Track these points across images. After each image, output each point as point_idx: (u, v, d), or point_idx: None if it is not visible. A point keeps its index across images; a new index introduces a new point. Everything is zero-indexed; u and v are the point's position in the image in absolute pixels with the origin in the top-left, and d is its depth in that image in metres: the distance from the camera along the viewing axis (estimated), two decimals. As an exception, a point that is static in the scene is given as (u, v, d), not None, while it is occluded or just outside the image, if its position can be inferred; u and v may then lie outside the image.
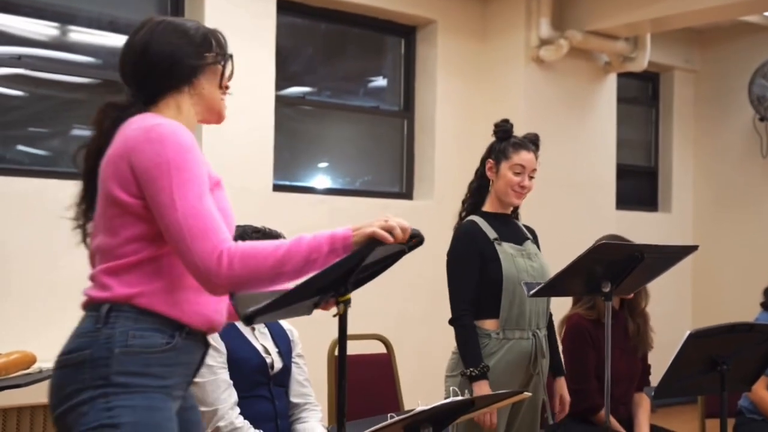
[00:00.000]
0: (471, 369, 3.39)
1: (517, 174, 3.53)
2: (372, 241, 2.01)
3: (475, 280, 3.47)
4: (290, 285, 2.04)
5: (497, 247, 3.49)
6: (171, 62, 2.17)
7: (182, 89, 2.20)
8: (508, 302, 3.45)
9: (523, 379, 3.49)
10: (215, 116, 2.29)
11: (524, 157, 3.54)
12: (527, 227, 3.69)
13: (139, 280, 2.06)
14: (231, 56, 2.29)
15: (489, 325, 3.48)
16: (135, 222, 2.07)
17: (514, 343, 3.46)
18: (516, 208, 3.69)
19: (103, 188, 2.10)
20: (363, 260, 2.03)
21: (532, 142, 3.61)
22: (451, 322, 3.50)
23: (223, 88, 2.27)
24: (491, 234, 3.51)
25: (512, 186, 3.53)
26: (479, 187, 3.66)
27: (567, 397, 3.65)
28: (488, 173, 3.59)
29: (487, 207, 3.62)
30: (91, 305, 2.10)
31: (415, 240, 2.12)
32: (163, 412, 2.05)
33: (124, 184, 2.05)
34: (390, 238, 2.01)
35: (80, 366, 2.02)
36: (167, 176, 2.00)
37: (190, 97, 2.21)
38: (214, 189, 2.13)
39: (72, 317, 5.00)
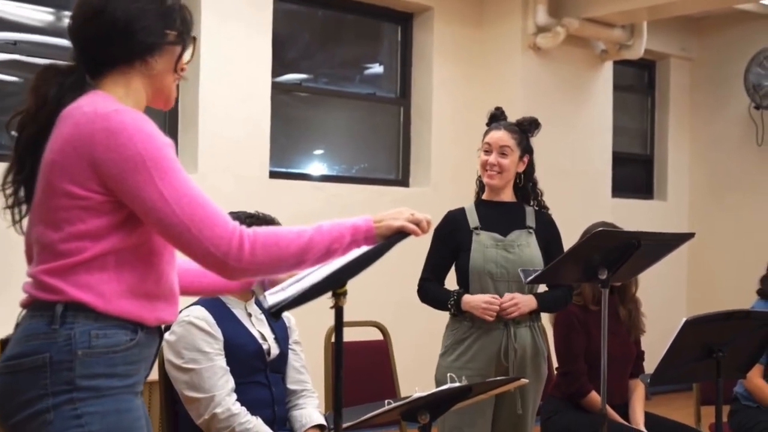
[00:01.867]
0: (449, 302, 3.51)
1: (486, 153, 3.57)
2: (400, 234, 2.04)
3: (443, 262, 3.63)
4: (305, 272, 2.05)
5: (474, 236, 3.54)
6: (128, 31, 1.94)
7: (133, 64, 1.98)
8: (476, 292, 3.51)
9: (497, 369, 3.49)
10: (163, 101, 2.08)
11: (492, 135, 3.58)
12: (542, 215, 3.66)
13: (87, 281, 1.90)
14: (194, 39, 2.09)
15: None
16: (84, 218, 1.89)
17: (482, 332, 3.50)
18: (537, 194, 3.68)
19: (47, 177, 1.91)
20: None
21: (518, 124, 3.61)
22: (418, 291, 3.67)
23: (179, 71, 2.06)
24: (473, 223, 3.57)
25: (483, 165, 3.59)
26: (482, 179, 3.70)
27: (519, 303, 3.45)
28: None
29: (485, 195, 3.66)
30: (37, 304, 1.93)
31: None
32: (132, 413, 1.95)
33: (77, 177, 1.88)
34: (419, 232, 2.04)
35: (38, 371, 1.87)
36: (144, 170, 1.85)
37: (140, 75, 2.00)
38: None
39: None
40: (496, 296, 3.45)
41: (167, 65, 2.02)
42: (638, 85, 8.49)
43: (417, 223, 2.05)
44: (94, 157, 1.86)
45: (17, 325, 1.98)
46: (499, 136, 3.56)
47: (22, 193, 2.01)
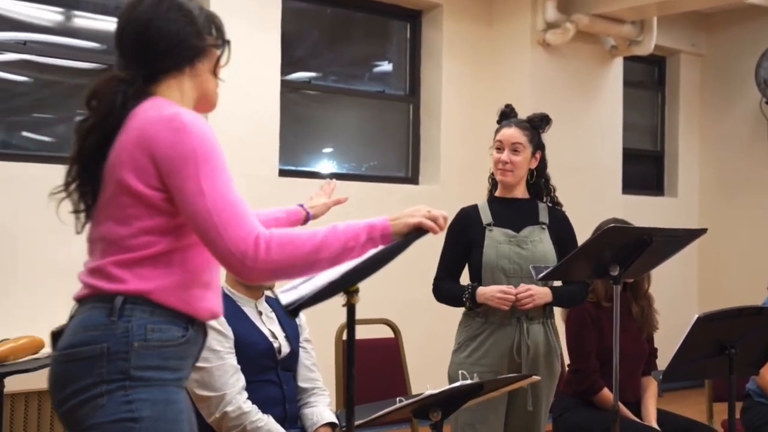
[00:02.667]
0: (464, 295, 3.50)
1: (498, 150, 3.57)
2: (418, 231, 2.04)
3: (457, 260, 3.63)
4: (323, 273, 2.05)
5: (487, 233, 3.54)
6: (176, 40, 2.11)
7: (183, 70, 2.13)
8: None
9: (510, 366, 3.49)
10: (208, 104, 2.23)
11: (503, 132, 3.58)
12: (555, 211, 3.66)
13: (152, 274, 2.01)
14: (228, 42, 2.23)
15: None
16: (151, 214, 2.01)
17: (495, 327, 3.50)
18: (550, 190, 3.67)
19: (115, 175, 2.03)
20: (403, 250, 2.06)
21: (528, 120, 3.60)
22: (433, 290, 3.67)
23: (217, 75, 2.21)
24: (486, 219, 3.57)
25: (495, 163, 3.58)
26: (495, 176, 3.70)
27: (534, 294, 3.43)
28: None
29: (498, 192, 3.66)
30: (97, 296, 2.03)
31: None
32: (178, 405, 2.04)
33: (141, 174, 1.99)
34: (437, 228, 2.06)
35: (95, 360, 1.97)
36: (194, 165, 1.96)
37: (190, 79, 2.15)
38: None
39: (64, 305, 4.98)
40: (511, 286, 3.44)
41: (209, 68, 2.18)
42: (648, 81, 8.46)
43: (434, 220, 2.07)
44: (156, 155, 1.98)
45: (71, 317, 2.09)
46: (511, 133, 3.55)
47: (89, 197, 2.12)
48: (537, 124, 3.61)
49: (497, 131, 3.62)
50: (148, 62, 2.10)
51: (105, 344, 1.97)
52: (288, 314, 1.99)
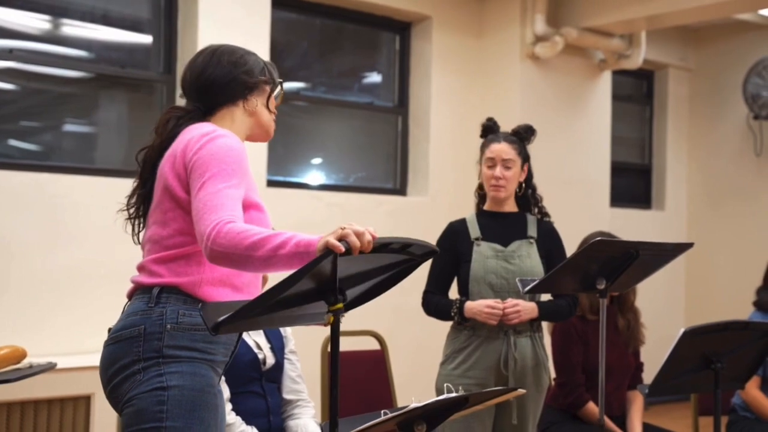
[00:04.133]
0: (452, 310, 3.52)
1: (489, 167, 3.57)
2: (328, 251, 1.95)
3: (446, 274, 3.64)
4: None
5: (475, 247, 3.54)
6: (228, 79, 2.46)
7: (237, 103, 2.48)
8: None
9: (497, 378, 3.49)
10: (264, 133, 2.57)
11: (493, 148, 3.58)
12: (544, 224, 3.66)
13: (185, 269, 2.30)
14: (281, 83, 2.59)
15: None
16: (183, 216, 2.30)
17: (483, 340, 3.50)
18: (537, 201, 3.67)
19: (162, 181, 2.34)
20: (328, 271, 1.96)
21: (515, 133, 3.61)
22: (422, 303, 3.68)
23: (271, 108, 2.55)
24: (474, 234, 3.58)
25: (488, 179, 3.58)
26: (482, 189, 3.69)
27: (521, 310, 3.44)
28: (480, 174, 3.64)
29: (486, 206, 3.65)
30: (140, 289, 2.34)
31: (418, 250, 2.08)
32: (207, 379, 2.29)
33: (179, 178, 2.30)
34: (341, 248, 1.96)
35: (134, 339, 2.27)
36: (205, 167, 2.24)
37: (243, 111, 2.49)
38: (250, 209, 2.32)
39: (65, 312, 4.99)
40: (499, 300, 3.43)
41: (263, 102, 2.53)
42: (637, 94, 8.49)
43: (358, 236, 1.99)
44: (186, 162, 2.29)
45: (124, 310, 2.39)
46: (501, 148, 3.56)
47: (141, 209, 2.46)
48: (523, 136, 3.62)
49: (485, 146, 3.62)
50: (205, 99, 2.48)
51: (142, 326, 2.27)
52: (210, 331, 1.96)
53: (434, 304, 3.61)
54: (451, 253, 3.58)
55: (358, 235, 2.00)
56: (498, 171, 3.54)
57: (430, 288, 3.65)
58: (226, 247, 2.10)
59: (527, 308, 3.45)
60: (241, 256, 2.09)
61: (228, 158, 2.26)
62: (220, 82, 2.47)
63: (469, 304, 3.47)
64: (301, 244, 2.04)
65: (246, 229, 2.11)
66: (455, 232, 3.62)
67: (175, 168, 2.31)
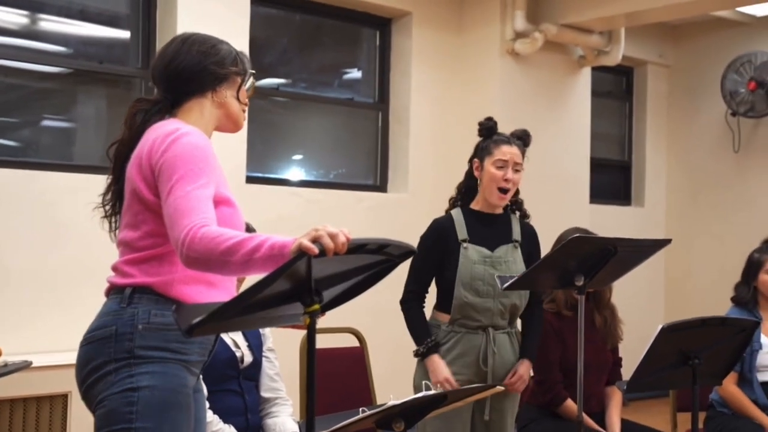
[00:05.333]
0: (417, 348, 3.52)
1: (499, 168, 3.53)
2: (301, 253, 1.92)
3: (430, 272, 3.58)
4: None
5: (462, 250, 3.50)
6: (197, 69, 2.43)
7: (206, 94, 2.45)
8: (458, 306, 3.51)
9: (476, 375, 3.49)
10: (233, 124, 2.53)
11: (505, 150, 3.55)
12: (526, 226, 3.67)
13: (157, 270, 2.29)
14: (252, 74, 2.55)
15: (441, 316, 3.58)
16: (153, 218, 2.28)
17: (462, 336, 3.51)
18: (520, 204, 3.67)
19: (130, 184, 2.33)
20: (303, 273, 1.95)
21: (519, 137, 3.62)
22: (400, 303, 3.62)
23: (242, 101, 2.52)
24: (462, 234, 3.53)
25: (496, 181, 3.53)
26: (468, 188, 3.67)
27: (523, 376, 3.55)
28: (475, 172, 3.61)
29: (476, 205, 3.62)
30: (114, 290, 2.33)
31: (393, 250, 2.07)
32: (179, 379, 2.28)
33: (146, 182, 2.28)
34: (314, 250, 1.92)
35: (106, 340, 2.26)
36: (174, 171, 2.21)
37: (212, 102, 2.46)
38: (221, 205, 2.29)
39: (42, 309, 4.95)
40: (453, 380, 3.42)
41: (233, 93, 2.49)
42: (616, 91, 8.51)
43: (332, 238, 1.95)
44: (153, 165, 2.27)
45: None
46: (513, 152, 3.56)
47: (117, 205, 2.45)
48: (526, 142, 3.64)
49: (494, 146, 3.57)
50: (173, 88, 2.44)
51: (114, 327, 2.26)
52: (184, 334, 1.93)
53: (412, 320, 3.57)
54: (436, 252, 3.54)
55: (332, 236, 1.95)
56: (510, 174, 3.53)
57: (414, 287, 3.59)
58: (201, 252, 2.09)
59: (526, 370, 3.56)
60: (217, 261, 2.08)
61: (194, 158, 2.24)
62: (190, 72, 2.43)
63: (434, 362, 3.45)
64: (275, 246, 2.02)
65: (220, 233, 2.09)
66: (442, 229, 3.56)
67: (141, 171, 2.30)
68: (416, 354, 3.53)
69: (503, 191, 3.55)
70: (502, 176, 3.52)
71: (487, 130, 3.63)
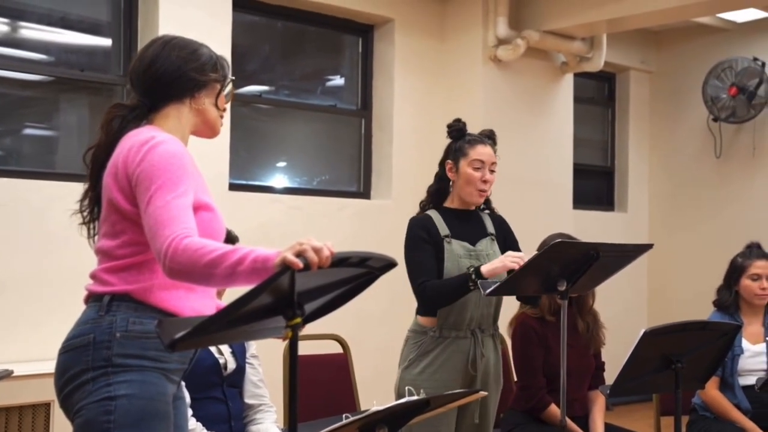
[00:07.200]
0: (470, 279, 3.32)
1: (476, 169, 3.53)
2: (285, 267, 1.90)
3: (431, 260, 3.46)
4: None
5: (446, 245, 3.49)
6: (177, 74, 2.40)
7: (184, 100, 2.42)
8: (448, 306, 3.46)
9: (464, 379, 3.48)
10: (209, 130, 2.50)
11: (481, 151, 3.54)
12: (495, 216, 3.67)
13: (136, 278, 2.27)
14: (232, 80, 2.52)
15: (427, 322, 3.52)
16: (132, 227, 2.27)
17: (450, 342, 3.48)
18: (490, 203, 3.68)
19: (107, 194, 2.31)
20: (286, 287, 1.93)
21: (488, 137, 3.62)
22: (418, 294, 3.47)
23: (220, 107, 2.49)
24: (443, 230, 3.51)
25: (474, 182, 3.51)
26: (438, 190, 3.65)
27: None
28: (449, 174, 3.59)
29: (451, 203, 3.62)
30: (92, 298, 2.31)
31: (375, 265, 2.06)
32: (157, 387, 2.25)
33: (123, 192, 2.26)
34: (299, 264, 1.90)
35: (84, 348, 2.23)
36: (151, 181, 2.20)
37: (189, 109, 2.43)
38: (200, 210, 2.27)
39: (24, 318, 4.91)
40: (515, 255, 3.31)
41: (211, 100, 2.46)
42: (598, 97, 8.55)
43: (316, 252, 1.94)
44: (129, 175, 2.25)
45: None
46: (488, 152, 3.54)
47: (96, 211, 2.42)
48: (495, 141, 3.64)
49: (469, 147, 3.55)
50: (151, 93, 2.41)
51: (92, 335, 2.24)
52: (166, 348, 1.92)
53: (439, 284, 3.42)
54: (430, 243, 3.48)
55: (316, 250, 1.94)
56: (487, 174, 3.53)
57: (424, 277, 3.44)
58: (184, 264, 2.08)
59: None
60: (200, 273, 2.07)
61: (171, 166, 2.22)
62: (169, 77, 2.40)
63: (489, 265, 3.32)
64: (258, 260, 2.00)
65: (203, 245, 2.08)
66: (427, 225, 3.52)
67: (117, 181, 2.28)
68: (472, 281, 3.31)
69: (482, 192, 3.55)
70: (480, 177, 3.52)
71: (457, 131, 3.63)
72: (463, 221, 3.57)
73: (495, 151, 3.60)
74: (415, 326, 3.57)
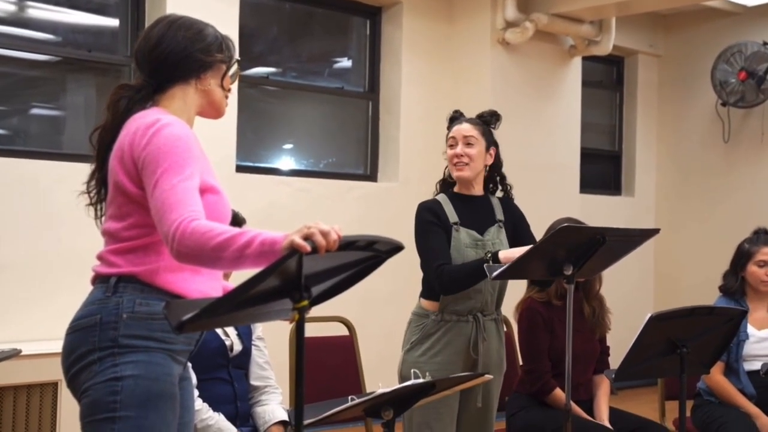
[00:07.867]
0: (486, 262, 3.30)
1: (451, 146, 3.56)
2: (293, 251, 1.90)
3: (445, 245, 3.45)
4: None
5: (454, 233, 3.49)
6: (183, 54, 2.39)
7: (190, 81, 2.41)
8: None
9: (465, 363, 3.49)
10: (215, 111, 2.50)
11: (455, 129, 3.57)
12: (506, 201, 3.65)
13: (142, 260, 2.28)
14: (238, 61, 2.52)
15: (429, 305, 3.53)
16: (138, 210, 2.27)
17: (452, 325, 3.48)
18: (506, 188, 3.67)
19: (113, 176, 2.31)
20: (293, 270, 1.93)
21: (480, 116, 3.62)
22: (435, 278, 3.43)
23: (226, 87, 2.48)
24: (452, 217, 3.51)
25: (451, 159, 3.56)
26: (447, 178, 3.68)
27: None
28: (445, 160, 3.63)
29: (457, 188, 3.63)
30: (99, 279, 2.32)
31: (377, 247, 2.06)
32: (163, 368, 2.26)
33: (129, 175, 2.26)
34: (307, 248, 1.90)
35: (91, 329, 2.25)
36: (157, 164, 2.20)
37: (195, 90, 2.42)
38: (206, 193, 2.28)
39: (31, 298, 4.93)
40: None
41: (217, 81, 2.45)
42: (606, 81, 8.52)
43: (324, 235, 1.94)
44: (135, 157, 2.25)
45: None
46: (462, 127, 3.56)
47: (102, 192, 2.42)
48: (487, 120, 3.62)
49: (448, 130, 3.61)
50: (157, 74, 2.40)
51: (99, 315, 2.25)
52: (174, 330, 1.92)
53: (456, 270, 3.40)
54: (441, 227, 3.48)
55: (324, 234, 1.93)
56: (459, 149, 3.53)
57: (442, 260, 3.43)
58: (191, 247, 2.08)
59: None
60: (208, 256, 2.07)
61: (177, 149, 2.22)
62: (175, 58, 2.39)
63: (507, 251, 3.33)
64: (266, 243, 2.01)
65: (210, 228, 2.08)
66: (436, 210, 3.52)
67: (123, 164, 2.28)
68: (487, 265, 3.27)
69: (458, 167, 3.54)
70: (453, 153, 3.54)
71: (450, 120, 3.66)
72: (472, 207, 3.57)
73: (483, 129, 3.56)
74: (418, 309, 3.58)
